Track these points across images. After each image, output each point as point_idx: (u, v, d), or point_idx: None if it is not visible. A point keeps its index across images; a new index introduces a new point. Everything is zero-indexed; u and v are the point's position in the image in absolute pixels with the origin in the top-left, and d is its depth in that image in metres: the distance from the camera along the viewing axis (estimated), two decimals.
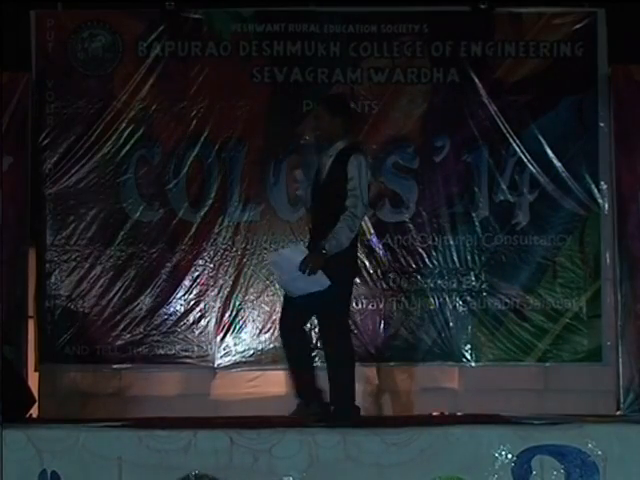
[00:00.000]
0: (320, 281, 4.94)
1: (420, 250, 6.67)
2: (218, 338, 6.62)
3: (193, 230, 6.67)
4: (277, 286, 6.54)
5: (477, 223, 6.67)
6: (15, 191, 6.53)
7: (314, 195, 5.21)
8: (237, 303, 6.66)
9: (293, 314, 5.11)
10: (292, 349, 5.20)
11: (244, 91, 6.72)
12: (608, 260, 6.65)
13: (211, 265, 6.66)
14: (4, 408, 5.02)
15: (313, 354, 5.50)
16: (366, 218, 6.53)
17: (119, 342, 6.58)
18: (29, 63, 6.61)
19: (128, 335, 6.59)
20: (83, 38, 6.68)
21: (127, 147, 6.64)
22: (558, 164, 6.64)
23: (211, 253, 6.67)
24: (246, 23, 6.71)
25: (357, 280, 6.51)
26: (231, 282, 6.67)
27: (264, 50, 6.72)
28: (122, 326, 6.59)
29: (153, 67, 6.66)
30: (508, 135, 6.65)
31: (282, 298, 5.41)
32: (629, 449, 4.18)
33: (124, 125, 6.64)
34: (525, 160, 6.66)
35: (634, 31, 6.40)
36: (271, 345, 6.55)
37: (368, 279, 6.65)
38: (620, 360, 6.51)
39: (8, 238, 6.49)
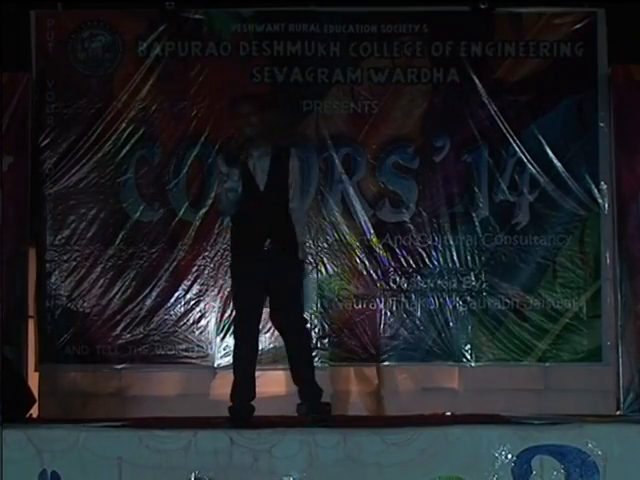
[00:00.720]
0: None
1: (420, 250, 6.65)
2: (218, 338, 6.61)
3: (193, 230, 6.66)
4: None
5: (477, 223, 6.66)
6: (15, 191, 6.53)
7: (252, 198, 5.21)
8: None
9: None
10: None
11: (244, 91, 6.52)
12: (608, 260, 6.64)
13: (211, 265, 6.64)
14: (4, 408, 5.04)
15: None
16: (366, 218, 6.68)
17: (119, 342, 6.57)
18: (29, 63, 6.61)
19: (128, 335, 6.58)
20: (83, 38, 6.67)
21: (127, 147, 6.63)
22: (558, 164, 6.62)
23: (211, 253, 6.64)
24: (246, 23, 6.71)
25: (356, 283, 6.73)
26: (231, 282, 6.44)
27: (264, 50, 6.71)
28: (122, 326, 6.58)
29: (153, 67, 6.65)
30: (508, 135, 6.64)
31: None
32: (629, 449, 4.19)
33: (124, 125, 6.63)
34: (525, 160, 6.65)
35: (634, 31, 6.39)
36: (271, 345, 6.49)
37: (368, 279, 6.64)
38: (620, 360, 6.50)
39: (8, 238, 6.48)
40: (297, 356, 5.23)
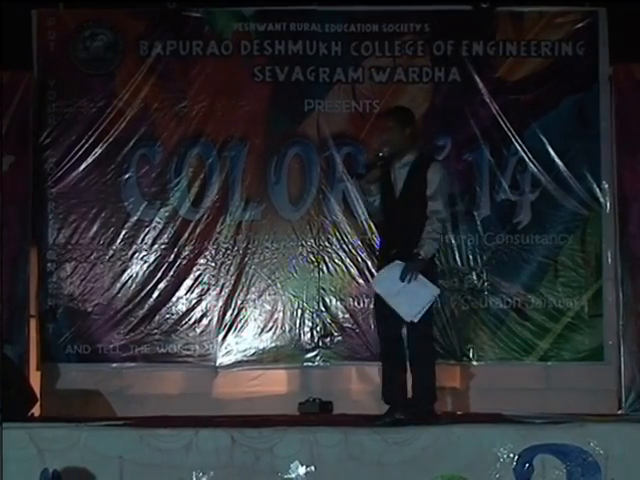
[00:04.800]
0: (430, 290, 5.04)
1: None
2: (220, 337, 6.61)
3: (195, 229, 6.64)
4: (279, 285, 6.71)
5: (479, 222, 6.66)
6: (17, 190, 6.51)
7: (389, 206, 5.25)
8: (239, 302, 6.64)
9: (392, 323, 5.17)
10: (391, 357, 5.24)
11: (245, 90, 6.71)
12: (610, 259, 6.63)
13: (213, 264, 6.63)
14: (5, 407, 5.02)
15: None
16: (367, 217, 6.57)
17: (121, 341, 6.57)
18: (31, 62, 6.60)
19: (130, 334, 6.58)
20: (84, 37, 6.66)
21: (128, 146, 6.62)
22: (560, 163, 6.62)
23: (213, 252, 6.64)
24: (247, 22, 6.70)
25: (357, 281, 6.70)
26: (233, 281, 6.65)
27: (265, 49, 6.70)
28: (124, 325, 6.58)
29: (154, 66, 6.65)
30: (509, 134, 6.64)
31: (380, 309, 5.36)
32: (631, 448, 4.25)
33: (125, 124, 6.62)
34: (526, 159, 6.65)
35: (635, 30, 6.36)
36: (272, 344, 6.55)
37: (370, 278, 6.53)
38: (622, 359, 6.48)
39: (10, 237, 6.48)
40: (417, 361, 5.22)
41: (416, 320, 5.04)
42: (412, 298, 5.06)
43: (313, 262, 6.71)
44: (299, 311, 6.77)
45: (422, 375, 5.12)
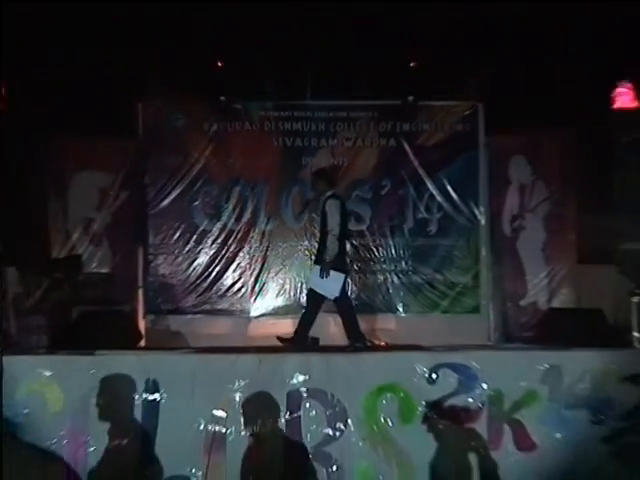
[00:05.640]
0: (341, 277, 5.52)
1: (372, 247, 7.53)
2: (252, 299, 7.47)
3: (236, 235, 7.50)
4: (287, 269, 7.46)
5: (406, 231, 7.53)
6: (131, 212, 7.40)
7: (321, 227, 5.75)
8: (263, 278, 7.50)
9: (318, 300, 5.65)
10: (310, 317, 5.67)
11: (267, 151, 7.50)
12: (484, 253, 7.58)
13: (247, 256, 7.49)
14: (133, 342, 5.81)
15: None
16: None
17: (192, 302, 7.43)
18: (137, 133, 7.47)
19: (197, 298, 7.43)
20: (170, 119, 7.50)
21: (197, 185, 7.50)
22: (454, 195, 7.52)
23: (247, 249, 7.51)
24: (268, 111, 7.49)
25: None
26: (259, 266, 7.51)
27: (279, 127, 7.52)
28: (194, 292, 7.44)
29: (212, 137, 7.49)
30: (425, 178, 7.51)
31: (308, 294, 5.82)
32: (495, 364, 4.63)
33: (195, 172, 7.49)
34: (435, 193, 7.51)
35: (498, 116, 7.24)
36: (283, 304, 7.43)
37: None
38: (490, 312, 7.53)
39: (127, 239, 7.39)
40: (347, 316, 5.64)
41: (337, 295, 5.56)
42: (329, 285, 5.55)
43: (307, 255, 7.45)
44: (299, 284, 7.49)
45: (352, 323, 5.65)
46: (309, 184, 6.59)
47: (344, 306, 5.63)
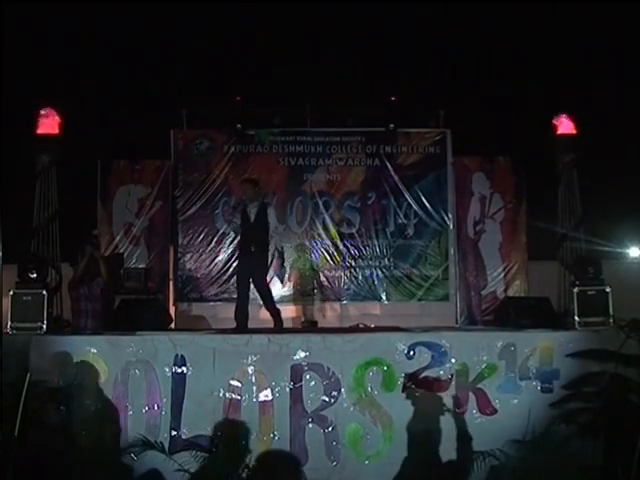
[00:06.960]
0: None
1: (361, 246, 7.47)
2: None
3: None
4: (292, 262, 7.20)
5: (388, 233, 7.47)
6: (163, 218, 7.33)
7: (246, 227, 5.68)
8: (271, 272, 6.47)
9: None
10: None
11: (275, 170, 7.47)
12: (452, 252, 7.49)
13: None
14: (165, 325, 5.64)
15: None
16: (335, 231, 7.34)
17: (214, 292, 7.35)
18: (169, 155, 7.48)
19: (218, 288, 7.35)
20: (196, 143, 7.48)
21: (217, 196, 7.45)
22: (427, 205, 7.52)
23: None
24: (276, 136, 7.48)
25: (330, 261, 7.22)
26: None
27: (285, 149, 7.50)
28: (215, 284, 7.36)
29: (230, 158, 7.47)
30: (404, 191, 7.49)
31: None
32: (462, 342, 4.70)
33: (216, 186, 7.45)
34: (412, 203, 7.51)
35: (462, 141, 7.40)
36: (289, 292, 7.29)
37: (334, 261, 7.39)
38: (457, 300, 7.40)
39: (160, 240, 7.28)
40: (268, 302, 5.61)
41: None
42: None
43: (308, 252, 7.41)
44: (300, 276, 7.39)
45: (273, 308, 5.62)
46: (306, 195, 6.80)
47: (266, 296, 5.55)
